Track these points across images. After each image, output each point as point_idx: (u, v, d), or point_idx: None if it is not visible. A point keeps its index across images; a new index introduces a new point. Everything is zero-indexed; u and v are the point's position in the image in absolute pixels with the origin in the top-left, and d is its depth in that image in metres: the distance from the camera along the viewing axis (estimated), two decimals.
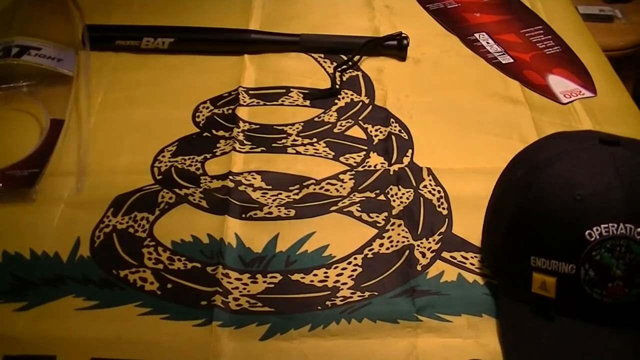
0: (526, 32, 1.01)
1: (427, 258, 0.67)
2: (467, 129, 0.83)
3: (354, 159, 0.79)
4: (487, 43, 0.98)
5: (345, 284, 0.65)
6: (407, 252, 0.67)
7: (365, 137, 0.82)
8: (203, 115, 0.85)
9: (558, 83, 0.91)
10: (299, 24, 1.01)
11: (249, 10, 1.03)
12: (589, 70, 0.93)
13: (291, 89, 0.89)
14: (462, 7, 1.06)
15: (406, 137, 0.82)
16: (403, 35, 0.94)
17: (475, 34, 1.00)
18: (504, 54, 0.96)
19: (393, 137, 0.82)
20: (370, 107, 0.87)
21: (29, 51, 0.89)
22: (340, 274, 0.66)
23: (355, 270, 0.66)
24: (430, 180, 0.76)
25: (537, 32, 1.01)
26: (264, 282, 0.65)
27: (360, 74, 0.93)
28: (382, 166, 0.78)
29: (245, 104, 0.87)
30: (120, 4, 1.05)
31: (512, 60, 0.95)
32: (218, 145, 0.81)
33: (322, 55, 0.95)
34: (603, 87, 0.91)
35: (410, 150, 0.80)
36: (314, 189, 0.75)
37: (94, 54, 0.93)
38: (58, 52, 0.91)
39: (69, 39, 0.95)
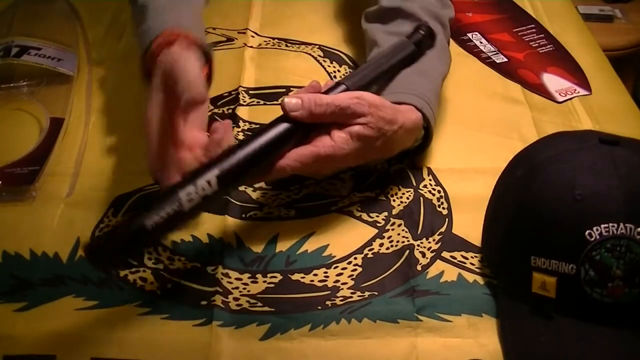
0: (519, 31, 1.00)
1: (427, 258, 0.67)
2: (467, 129, 0.83)
3: None
4: (480, 43, 0.98)
5: (345, 283, 0.65)
6: (407, 252, 0.67)
7: None
8: None
9: (553, 81, 0.91)
10: (298, 23, 1.01)
11: (249, 9, 1.03)
12: (588, 70, 0.93)
13: (291, 89, 0.89)
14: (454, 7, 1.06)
15: None
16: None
17: (468, 34, 1.00)
18: (497, 54, 0.96)
19: None
20: None
21: (29, 51, 0.89)
22: (340, 274, 0.66)
23: (355, 270, 0.66)
24: (430, 180, 0.76)
25: (529, 30, 1.01)
26: (264, 282, 0.65)
27: None
28: (382, 166, 0.78)
29: (245, 103, 0.87)
30: (121, 7, 1.05)
31: (506, 60, 0.95)
32: None
33: (322, 55, 0.95)
34: (603, 86, 0.90)
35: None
36: (314, 189, 0.75)
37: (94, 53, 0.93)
38: (58, 52, 0.91)
39: (69, 39, 0.95)
